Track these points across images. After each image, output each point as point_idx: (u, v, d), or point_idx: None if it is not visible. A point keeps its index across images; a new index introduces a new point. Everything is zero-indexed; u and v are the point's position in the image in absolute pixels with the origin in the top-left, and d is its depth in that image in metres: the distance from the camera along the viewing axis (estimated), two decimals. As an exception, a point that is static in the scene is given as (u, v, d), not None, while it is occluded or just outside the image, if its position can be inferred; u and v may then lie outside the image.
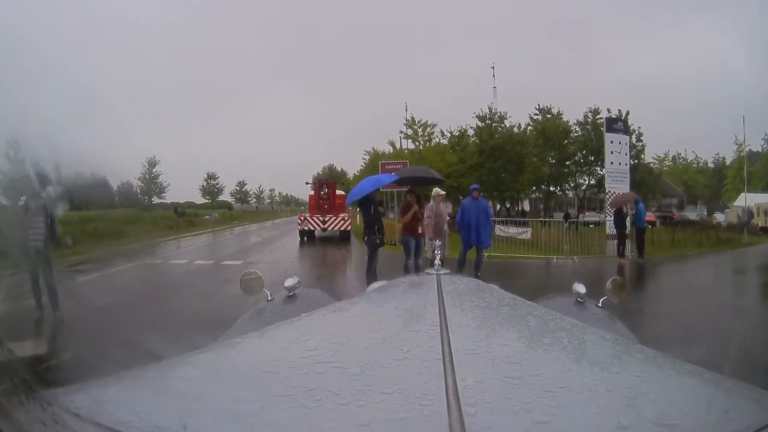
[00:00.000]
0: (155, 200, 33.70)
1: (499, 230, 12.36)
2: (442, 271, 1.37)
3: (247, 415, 0.53)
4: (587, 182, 25.83)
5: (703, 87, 40.24)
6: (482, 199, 7.91)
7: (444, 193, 7.84)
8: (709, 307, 5.96)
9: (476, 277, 4.38)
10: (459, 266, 7.32)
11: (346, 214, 17.02)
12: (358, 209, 8.24)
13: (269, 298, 1.73)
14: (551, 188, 26.98)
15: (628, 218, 11.08)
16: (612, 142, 12.65)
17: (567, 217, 11.80)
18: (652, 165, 27.81)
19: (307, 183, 20.18)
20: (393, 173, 9.53)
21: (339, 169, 40.85)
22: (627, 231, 10.70)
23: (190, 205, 36.73)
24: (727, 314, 5.67)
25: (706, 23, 47.09)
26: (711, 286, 8.61)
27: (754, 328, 4.74)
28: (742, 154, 24.94)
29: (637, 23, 49.04)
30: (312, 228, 16.53)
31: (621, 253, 10.45)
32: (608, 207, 12.04)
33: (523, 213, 25.71)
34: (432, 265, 1.54)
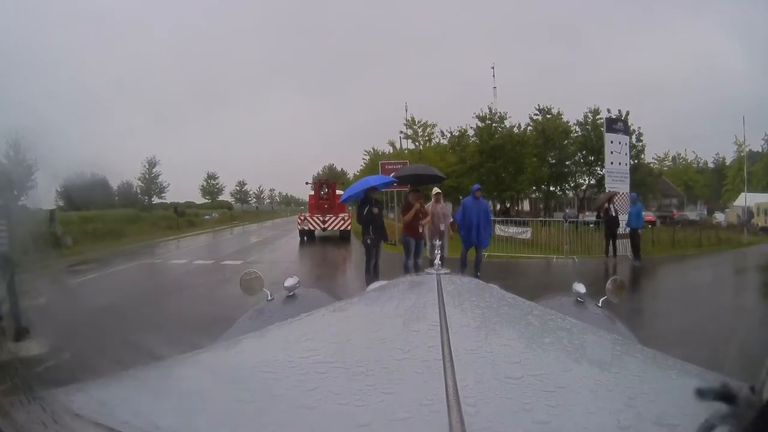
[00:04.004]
0: (155, 200, 33.77)
1: (499, 230, 12.35)
2: (442, 271, 1.38)
3: (247, 415, 0.53)
4: (587, 182, 25.85)
5: (703, 87, 40.33)
6: (482, 199, 7.91)
7: (440, 192, 7.86)
8: (708, 307, 5.96)
9: (476, 277, 4.39)
10: (462, 266, 7.32)
11: (346, 214, 17.02)
12: None
13: (269, 298, 1.73)
14: (551, 188, 27.00)
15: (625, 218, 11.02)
16: (612, 142, 12.59)
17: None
18: (652, 165, 27.85)
19: (307, 183, 20.17)
20: (392, 174, 9.52)
21: (339, 169, 40.97)
22: (616, 231, 10.63)
23: (190, 205, 36.76)
24: (727, 314, 5.66)
25: (707, 24, 47.17)
26: (710, 286, 8.61)
27: (754, 328, 4.74)
28: (742, 154, 24.99)
29: (637, 23, 49.08)
30: (312, 228, 16.53)
31: (607, 253, 10.46)
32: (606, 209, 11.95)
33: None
34: (432, 265, 1.54)
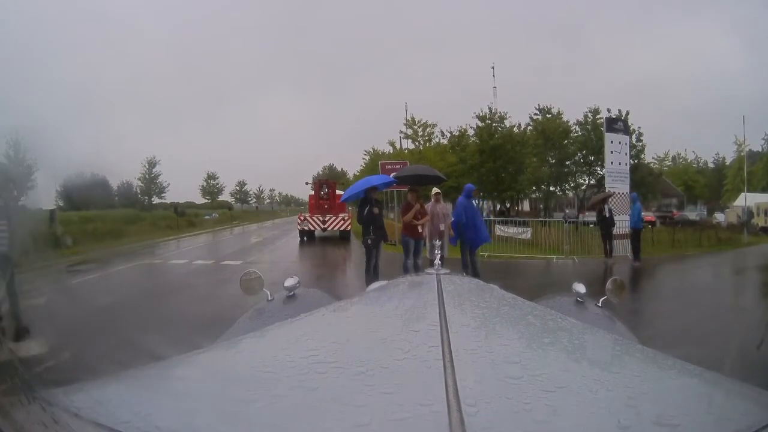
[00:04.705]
0: (155, 200, 33.71)
1: (499, 230, 12.34)
2: (442, 271, 1.38)
3: (247, 415, 0.53)
4: (587, 182, 25.83)
5: (703, 87, 40.34)
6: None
7: (440, 192, 7.87)
8: (707, 308, 5.96)
9: (475, 276, 4.39)
10: (465, 267, 7.34)
11: (346, 214, 17.03)
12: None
13: (269, 298, 1.73)
14: (551, 188, 27.00)
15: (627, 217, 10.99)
16: (612, 142, 12.57)
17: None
18: (652, 165, 27.84)
19: (307, 183, 20.23)
20: (392, 174, 9.53)
21: (339, 169, 40.96)
22: (611, 231, 10.56)
23: (190, 205, 36.74)
24: (726, 314, 5.66)
25: (707, 24, 47.18)
26: (710, 286, 8.61)
27: (754, 328, 4.74)
28: (742, 154, 24.99)
29: (637, 23, 49.09)
30: (312, 228, 16.53)
31: (607, 253, 10.41)
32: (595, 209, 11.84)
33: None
34: (432, 265, 1.55)
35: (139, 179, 33.04)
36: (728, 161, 30.37)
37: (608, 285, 1.66)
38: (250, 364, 0.73)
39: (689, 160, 32.49)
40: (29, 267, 6.53)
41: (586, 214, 17.00)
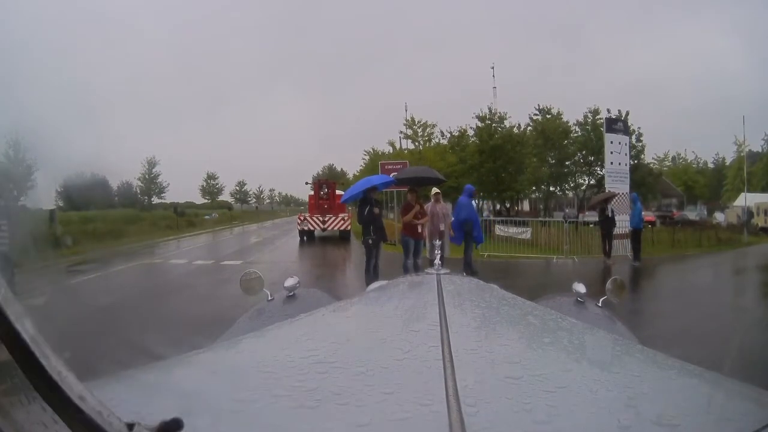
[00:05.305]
0: (155, 200, 33.77)
1: (499, 230, 12.34)
2: (442, 271, 1.38)
3: (247, 415, 0.53)
4: (587, 182, 25.81)
5: (703, 87, 40.41)
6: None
7: (439, 192, 7.91)
8: (707, 308, 5.96)
9: (473, 273, 4.41)
10: (467, 266, 7.37)
11: (346, 214, 17.02)
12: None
13: (269, 298, 1.73)
14: (551, 188, 26.98)
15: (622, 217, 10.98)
16: (612, 142, 12.55)
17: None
18: (652, 165, 27.84)
19: (306, 183, 20.23)
20: (392, 174, 9.53)
21: (339, 169, 41.07)
22: (612, 231, 10.51)
23: (190, 205, 36.78)
24: (726, 315, 5.66)
25: (707, 24, 47.23)
26: (710, 286, 8.61)
27: (754, 329, 4.74)
28: (742, 154, 25.02)
29: (637, 23, 49.13)
30: (312, 228, 16.53)
31: (606, 253, 10.38)
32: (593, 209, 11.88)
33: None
34: (432, 265, 1.55)
35: (139, 179, 33.12)
36: (728, 161, 30.44)
37: (608, 285, 1.66)
38: (250, 364, 0.73)
39: (689, 161, 32.54)
40: (29, 267, 6.53)
41: (586, 213, 17.00)
